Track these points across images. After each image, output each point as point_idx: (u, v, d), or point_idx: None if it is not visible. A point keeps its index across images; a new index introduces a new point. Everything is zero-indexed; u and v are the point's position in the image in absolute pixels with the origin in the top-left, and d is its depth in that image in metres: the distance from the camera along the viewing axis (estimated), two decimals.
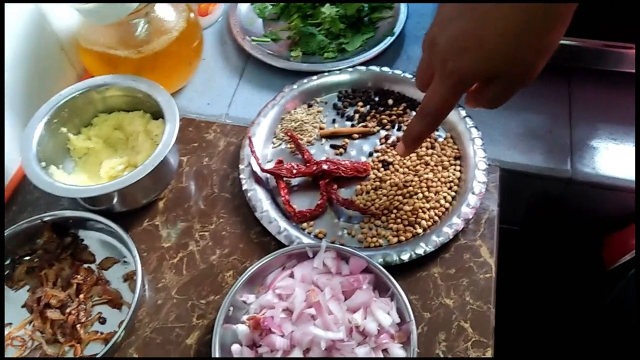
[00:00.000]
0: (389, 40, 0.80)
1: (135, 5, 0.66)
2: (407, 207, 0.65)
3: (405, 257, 0.60)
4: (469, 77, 0.43)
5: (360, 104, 0.76)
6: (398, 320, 0.54)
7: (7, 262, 0.63)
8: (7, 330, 0.59)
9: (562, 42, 0.70)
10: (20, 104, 0.71)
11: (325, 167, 0.67)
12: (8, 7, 0.66)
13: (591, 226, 0.79)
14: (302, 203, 0.68)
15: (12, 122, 0.70)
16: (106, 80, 0.70)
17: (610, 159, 0.70)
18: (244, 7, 0.89)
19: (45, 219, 0.63)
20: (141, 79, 0.69)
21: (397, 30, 0.81)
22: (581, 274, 0.88)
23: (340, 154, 0.72)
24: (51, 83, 0.76)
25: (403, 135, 0.50)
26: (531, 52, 0.41)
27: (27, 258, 0.63)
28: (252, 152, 0.69)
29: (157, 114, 0.69)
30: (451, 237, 0.61)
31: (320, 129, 0.74)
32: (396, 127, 0.73)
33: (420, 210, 0.65)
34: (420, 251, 0.61)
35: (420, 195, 0.66)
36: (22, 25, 0.69)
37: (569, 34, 0.70)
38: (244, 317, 0.55)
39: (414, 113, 0.74)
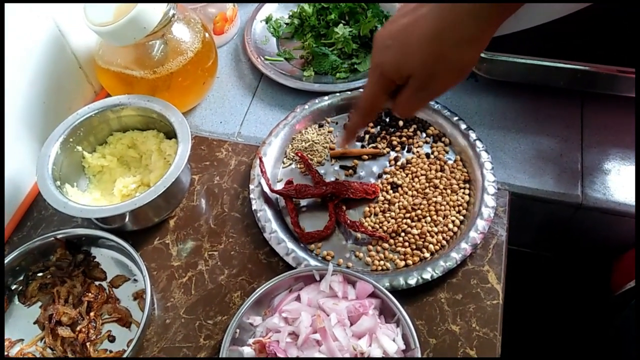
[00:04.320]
0: None
1: (152, 27, 0.67)
2: (415, 231, 0.65)
3: (412, 281, 0.61)
4: (389, 70, 0.50)
5: (371, 124, 0.76)
6: (403, 347, 0.54)
7: (21, 277, 0.64)
8: (19, 347, 0.60)
9: (575, 67, 0.71)
10: (40, 119, 0.73)
11: (334, 188, 0.68)
12: (30, 26, 0.68)
13: (600, 251, 0.78)
14: (310, 224, 0.68)
15: (30, 137, 0.72)
16: (121, 101, 0.71)
17: (621, 184, 0.69)
18: (259, 26, 0.90)
19: (59, 236, 0.64)
20: (155, 100, 0.70)
21: None
22: (589, 299, 0.86)
23: (350, 175, 0.72)
24: (70, 99, 0.78)
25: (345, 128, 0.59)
26: (440, 61, 0.47)
27: (40, 274, 0.64)
28: (263, 172, 0.70)
29: (171, 134, 0.70)
30: (459, 262, 0.61)
31: (331, 149, 0.75)
32: (406, 148, 0.74)
33: (428, 234, 0.65)
34: (427, 276, 0.61)
35: (429, 218, 0.66)
36: (43, 44, 0.71)
37: (581, 59, 0.71)
38: (250, 340, 0.55)
39: (424, 135, 0.75)
